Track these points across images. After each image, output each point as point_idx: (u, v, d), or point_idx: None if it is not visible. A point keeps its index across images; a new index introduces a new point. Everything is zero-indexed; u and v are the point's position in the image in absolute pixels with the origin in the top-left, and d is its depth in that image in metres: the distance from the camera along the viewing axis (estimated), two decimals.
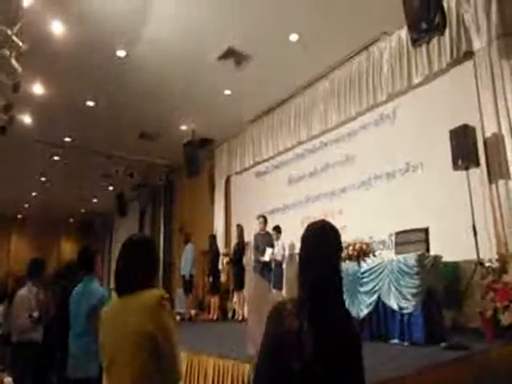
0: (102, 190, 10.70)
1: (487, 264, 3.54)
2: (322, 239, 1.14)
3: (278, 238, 5.99)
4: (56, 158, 8.55)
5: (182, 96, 6.35)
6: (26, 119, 6.65)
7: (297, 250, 6.39)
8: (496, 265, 3.39)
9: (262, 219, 6.26)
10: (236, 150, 8.13)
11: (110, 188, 10.34)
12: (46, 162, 8.58)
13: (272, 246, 5.91)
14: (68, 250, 14.79)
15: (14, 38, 4.37)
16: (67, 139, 7.80)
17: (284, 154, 7.11)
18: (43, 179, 9.91)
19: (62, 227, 15.02)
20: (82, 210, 13.64)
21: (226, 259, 6.65)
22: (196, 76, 5.81)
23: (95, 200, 12.31)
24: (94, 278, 2.63)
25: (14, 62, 4.51)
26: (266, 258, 5.80)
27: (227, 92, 6.38)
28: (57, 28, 4.64)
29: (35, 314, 3.20)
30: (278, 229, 6.07)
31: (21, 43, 4.39)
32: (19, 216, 13.56)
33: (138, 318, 1.31)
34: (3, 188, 10.02)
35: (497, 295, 3.09)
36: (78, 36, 4.78)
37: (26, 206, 12.32)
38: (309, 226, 1.21)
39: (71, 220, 14.93)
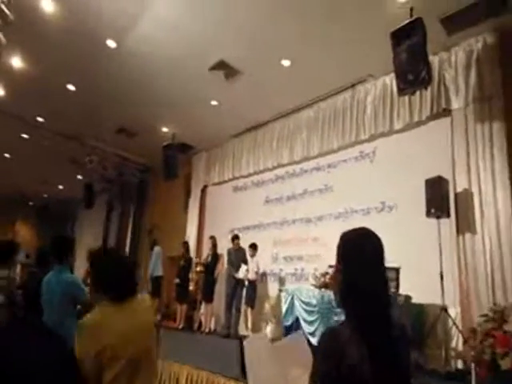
0: (69, 178, 10.31)
1: (488, 315, 3.64)
2: (373, 252, 1.03)
3: (253, 255, 6.04)
4: (25, 135, 8.17)
5: (168, 98, 6.34)
6: (0, 90, 6.33)
7: (268, 270, 6.51)
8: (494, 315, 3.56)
9: (233, 237, 6.30)
10: (215, 160, 8.17)
11: (79, 177, 9.97)
12: (13, 138, 8.19)
13: (245, 262, 5.95)
14: (23, 233, 14.01)
15: (3, 6, 4.19)
16: (40, 119, 7.52)
17: (264, 173, 7.22)
18: (7, 155, 9.41)
19: (19, 209, 14.22)
20: (45, 195, 13.03)
21: (199, 268, 6.58)
22: (184, 81, 5.84)
23: (61, 187, 11.83)
24: (66, 267, 2.62)
25: None
26: (240, 275, 5.84)
27: (214, 102, 6.43)
28: (48, 5, 4.51)
29: (0, 299, 2.99)
30: (253, 246, 6.12)
31: (9, 13, 4.22)
32: None
33: (150, 317, 1.64)
34: None
35: (496, 342, 3.24)
36: (69, 17, 4.73)
37: None
38: (351, 235, 1.08)
39: (31, 203, 14.19)
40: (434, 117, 4.76)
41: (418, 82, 3.61)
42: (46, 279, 2.56)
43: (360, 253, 1.03)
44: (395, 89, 4.32)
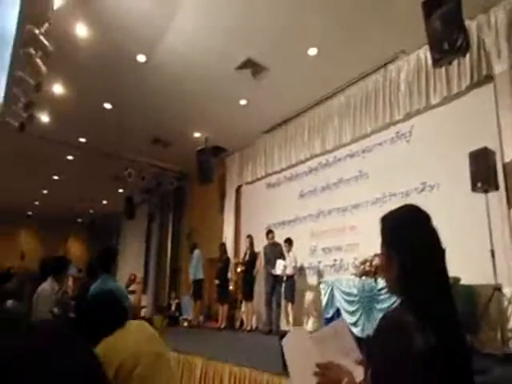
0: (111, 192, 10.88)
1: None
2: (422, 227, 0.95)
3: (289, 250, 6.02)
4: (70, 157, 8.75)
5: (198, 104, 6.52)
6: (44, 118, 6.85)
7: (306, 264, 6.47)
8: None
9: (267, 231, 6.38)
10: (248, 159, 8.23)
11: (120, 190, 10.49)
12: (60, 161, 8.81)
13: (282, 257, 5.97)
14: (75, 249, 14.99)
15: (41, 37, 4.52)
16: (82, 140, 8.00)
17: (296, 166, 7.17)
18: (56, 178, 10.10)
19: (69, 226, 15.22)
20: (91, 211, 13.82)
21: (239, 268, 6.66)
22: (213, 84, 5.97)
23: (105, 202, 12.50)
24: (111, 277, 2.81)
25: (39, 61, 4.66)
26: (278, 271, 5.85)
27: (243, 102, 6.50)
28: (81, 30, 4.84)
29: (56, 311, 3.23)
30: (289, 241, 6.10)
31: (47, 43, 4.54)
32: (29, 213, 13.80)
33: (150, 328, 1.88)
34: (15, 184, 10.30)
35: None
36: (100, 39, 5.01)
37: (37, 203, 12.53)
38: (399, 215, 0.99)
39: (79, 220, 15.12)
40: (474, 85, 4.50)
41: (454, 50, 3.42)
42: (93, 287, 2.75)
43: (415, 227, 0.95)
44: (430, 62, 4.12)
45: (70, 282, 10.38)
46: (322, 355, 1.05)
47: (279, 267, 5.80)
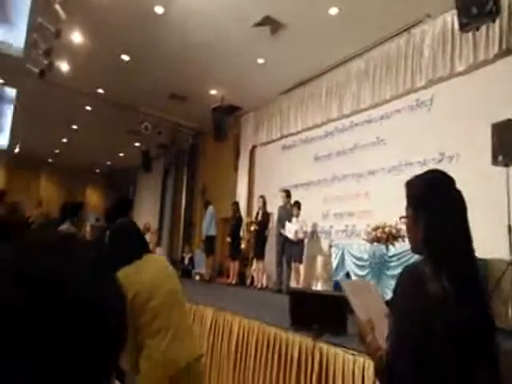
0: (128, 145, 11.09)
1: None
2: (449, 192, 1.02)
3: (297, 214, 6.08)
4: (88, 108, 8.89)
5: (215, 60, 6.44)
6: (63, 66, 6.89)
7: (319, 228, 6.60)
8: None
9: (284, 193, 6.41)
10: (263, 120, 8.20)
11: (137, 144, 10.69)
12: (78, 110, 8.96)
13: (289, 220, 6.07)
14: (93, 199, 15.57)
15: None
16: (100, 91, 8.07)
17: (312, 129, 7.13)
18: (74, 127, 10.34)
19: (88, 176, 15.73)
20: (108, 163, 14.18)
21: (253, 227, 6.80)
22: (230, 41, 5.87)
23: (121, 154, 12.76)
24: None
25: (58, 7, 4.65)
26: (287, 234, 5.93)
27: (260, 61, 6.38)
28: None
29: None
30: (297, 204, 6.15)
31: None
32: (49, 160, 14.26)
33: (167, 264, 1.99)
34: (37, 131, 10.58)
35: None
36: None
37: (57, 151, 12.92)
38: (427, 178, 1.06)
39: (97, 170, 15.57)
40: (503, 54, 4.30)
41: (483, 15, 3.26)
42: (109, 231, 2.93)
43: (442, 192, 1.02)
44: (456, 27, 3.94)
45: (88, 229, 10.99)
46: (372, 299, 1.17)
47: (290, 230, 5.90)
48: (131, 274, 1.72)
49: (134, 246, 1.87)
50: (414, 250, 1.06)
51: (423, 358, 0.91)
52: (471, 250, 1.00)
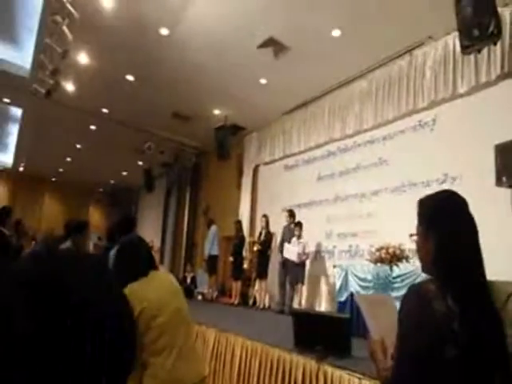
0: (131, 164, 11.18)
1: None
2: (461, 213, 1.02)
3: (299, 235, 6.00)
4: (92, 127, 9.00)
5: (218, 80, 6.56)
6: (69, 86, 7.02)
7: (322, 248, 6.50)
8: None
9: (287, 213, 6.42)
10: (266, 140, 8.27)
11: (140, 163, 10.76)
12: (82, 130, 9.09)
13: (289, 241, 6.02)
14: (96, 217, 15.56)
15: (69, 5, 4.61)
16: (105, 110, 8.19)
17: (315, 149, 7.16)
18: (78, 146, 10.44)
19: (91, 195, 15.82)
20: (112, 181, 14.25)
21: (256, 247, 6.74)
22: (234, 62, 5.99)
23: (124, 173, 12.84)
24: None
25: (65, 29, 4.78)
26: (293, 257, 5.82)
27: (263, 81, 6.49)
28: (107, 1, 4.84)
29: None
30: (299, 225, 6.10)
31: (74, 11, 4.63)
32: (53, 179, 14.37)
33: (175, 282, 1.96)
34: (41, 150, 10.72)
35: None
36: (125, 11, 5.08)
37: (61, 170, 13.03)
38: (439, 197, 1.07)
39: (100, 189, 15.64)
40: (505, 76, 4.33)
41: (485, 37, 3.29)
42: (112, 252, 2.87)
43: (454, 213, 1.01)
44: (458, 49, 3.98)
45: (91, 248, 10.93)
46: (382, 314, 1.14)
47: (290, 252, 5.81)
48: (137, 290, 1.70)
49: (140, 262, 1.85)
50: (424, 269, 1.06)
51: (427, 380, 0.89)
52: (482, 273, 0.98)
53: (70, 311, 0.38)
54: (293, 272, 5.90)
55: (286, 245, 5.94)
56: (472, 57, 4.35)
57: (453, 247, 0.97)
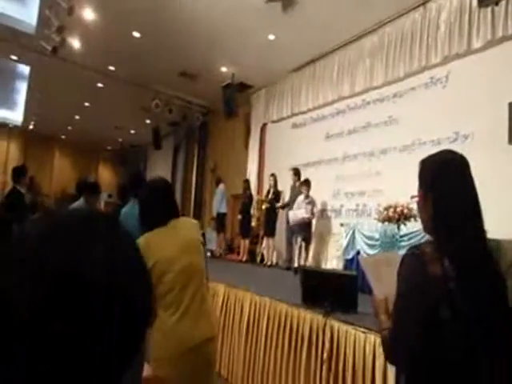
0: (139, 122, 11.20)
1: None
2: (459, 175, 1.02)
3: (306, 194, 5.95)
4: (100, 84, 8.94)
5: (225, 37, 6.41)
6: (75, 43, 6.93)
7: (329, 207, 6.58)
8: None
9: (292, 171, 6.47)
10: (274, 98, 8.17)
11: (147, 121, 10.77)
12: (90, 87, 9.05)
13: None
14: (105, 175, 15.91)
15: None
16: (111, 68, 8.09)
17: (324, 107, 7.08)
18: (87, 104, 10.44)
19: (100, 153, 16.00)
20: (120, 140, 14.37)
21: (264, 205, 6.83)
22: (241, 17, 5.81)
23: (132, 131, 12.90)
24: None
25: None
26: (299, 218, 5.83)
27: (271, 37, 6.33)
28: None
29: None
30: (306, 183, 6.04)
31: None
32: (63, 137, 14.54)
33: (194, 234, 1.85)
34: (50, 108, 10.77)
35: None
36: None
37: (70, 128, 13.13)
38: (438, 158, 1.06)
39: (109, 147, 15.79)
40: None
41: None
42: (124, 210, 2.89)
43: (443, 174, 1.02)
44: (474, 2, 3.81)
45: (102, 206, 11.31)
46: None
47: (296, 216, 5.80)
48: (151, 243, 1.67)
49: (161, 209, 1.76)
50: (425, 229, 1.08)
51: (425, 339, 0.91)
52: (481, 233, 0.99)
53: (82, 292, 0.35)
54: (300, 231, 5.96)
55: (290, 213, 5.92)
56: (489, 10, 4.18)
57: (449, 207, 0.98)
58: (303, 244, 5.96)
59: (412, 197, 1.12)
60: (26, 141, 13.87)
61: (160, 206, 1.77)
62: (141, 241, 1.63)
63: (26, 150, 13.92)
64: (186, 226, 1.84)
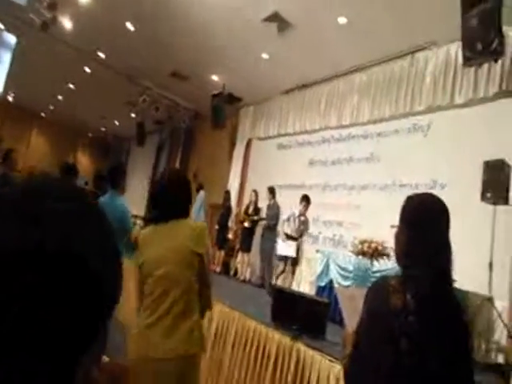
0: (124, 115, 11.02)
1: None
2: (438, 217, 1.08)
3: (303, 212, 5.69)
4: (87, 69, 8.74)
5: (220, 47, 6.44)
6: (67, 23, 6.77)
7: (310, 230, 6.26)
8: None
9: (268, 190, 6.42)
10: (262, 115, 8.23)
11: (133, 115, 10.58)
12: (77, 70, 8.87)
13: (277, 217, 6.07)
14: (83, 161, 15.46)
15: None
16: (101, 54, 7.94)
17: (310, 134, 7.17)
18: (71, 86, 10.19)
19: (80, 139, 15.59)
20: (103, 129, 14.04)
21: (247, 222, 6.68)
22: (238, 31, 5.86)
23: (117, 122, 12.64)
24: (118, 192, 2.93)
25: None
26: (292, 253, 5.65)
27: (265, 56, 6.40)
28: None
29: None
30: (306, 199, 5.77)
31: None
32: (42, 114, 14.11)
33: (188, 237, 1.62)
34: (33, 83, 10.47)
35: None
36: None
37: (51, 107, 12.76)
38: (416, 198, 1.13)
39: (90, 134, 15.41)
40: (502, 95, 4.34)
41: (487, 52, 3.28)
42: (101, 200, 2.79)
43: (421, 214, 1.07)
44: (460, 60, 3.96)
45: None
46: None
47: (288, 250, 5.63)
48: (146, 239, 1.64)
49: (164, 203, 1.65)
50: (397, 261, 1.13)
51: (381, 371, 0.94)
52: (447, 275, 1.02)
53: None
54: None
55: (281, 243, 5.77)
56: (472, 70, 4.34)
57: (421, 246, 1.03)
58: (290, 268, 5.80)
59: (392, 226, 1.17)
60: (3, 112, 13.36)
61: (163, 200, 1.66)
62: (140, 236, 1.66)
63: (2, 122, 13.39)
64: (182, 232, 1.63)
